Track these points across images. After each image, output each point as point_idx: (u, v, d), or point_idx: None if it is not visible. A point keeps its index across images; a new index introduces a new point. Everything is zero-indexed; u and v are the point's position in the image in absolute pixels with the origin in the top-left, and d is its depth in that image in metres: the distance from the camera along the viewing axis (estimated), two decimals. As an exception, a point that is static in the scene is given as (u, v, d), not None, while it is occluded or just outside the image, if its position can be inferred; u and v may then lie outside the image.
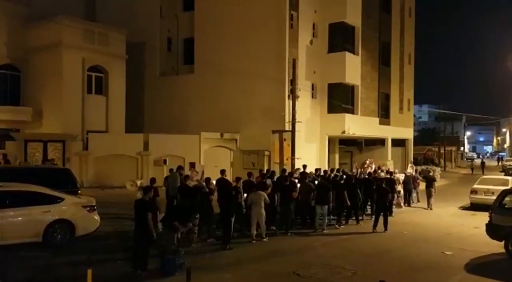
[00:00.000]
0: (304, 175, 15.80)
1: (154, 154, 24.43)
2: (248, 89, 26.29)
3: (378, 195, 15.26)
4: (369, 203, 16.95)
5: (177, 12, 31.16)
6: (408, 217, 17.71)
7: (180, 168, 15.88)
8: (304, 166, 17.65)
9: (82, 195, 13.91)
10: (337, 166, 27.85)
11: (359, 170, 21.57)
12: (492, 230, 11.92)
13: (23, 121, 26.58)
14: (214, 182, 13.56)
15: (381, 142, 33.90)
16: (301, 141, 25.18)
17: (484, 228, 12.25)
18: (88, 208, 11.70)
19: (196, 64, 29.23)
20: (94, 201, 12.24)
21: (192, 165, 19.80)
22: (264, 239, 12.62)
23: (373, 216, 16.44)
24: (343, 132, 27.51)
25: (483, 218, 13.13)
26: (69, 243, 11.14)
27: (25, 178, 12.61)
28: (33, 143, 23.18)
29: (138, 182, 21.98)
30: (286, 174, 15.48)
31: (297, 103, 23.30)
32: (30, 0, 28.70)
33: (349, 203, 15.04)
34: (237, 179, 13.66)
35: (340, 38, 28.58)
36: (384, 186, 15.31)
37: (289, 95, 24.37)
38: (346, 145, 34.42)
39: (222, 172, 14.42)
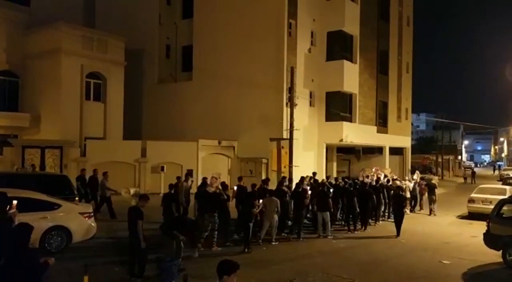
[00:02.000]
0: (316, 182, 16.17)
1: (152, 161, 24.40)
2: (246, 96, 26.34)
3: (395, 202, 15.66)
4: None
5: (176, 19, 31.32)
6: (406, 225, 17.59)
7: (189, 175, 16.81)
8: (314, 173, 17.76)
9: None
10: (334, 174, 27.83)
11: (365, 179, 21.66)
12: (490, 239, 11.93)
13: (21, 127, 26.53)
14: (235, 188, 14.55)
15: (379, 150, 33.94)
16: (299, 148, 25.17)
17: (482, 237, 12.27)
18: (85, 215, 11.67)
19: (195, 71, 29.30)
20: (91, 207, 12.23)
21: (189, 172, 19.84)
22: (274, 243, 13.08)
23: (369, 223, 16.79)
24: (341, 140, 27.51)
25: (481, 227, 13.13)
26: (65, 249, 11.09)
27: (22, 184, 12.57)
28: (31, 149, 23.10)
29: (132, 190, 21.96)
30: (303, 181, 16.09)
31: (295, 111, 23.32)
32: (30, 7, 28.81)
33: (358, 209, 15.54)
34: (253, 186, 13.86)
35: (338, 46, 28.70)
36: (401, 193, 15.76)
37: (287, 103, 24.39)
38: (344, 153, 34.45)
39: (240, 179, 15.31)
